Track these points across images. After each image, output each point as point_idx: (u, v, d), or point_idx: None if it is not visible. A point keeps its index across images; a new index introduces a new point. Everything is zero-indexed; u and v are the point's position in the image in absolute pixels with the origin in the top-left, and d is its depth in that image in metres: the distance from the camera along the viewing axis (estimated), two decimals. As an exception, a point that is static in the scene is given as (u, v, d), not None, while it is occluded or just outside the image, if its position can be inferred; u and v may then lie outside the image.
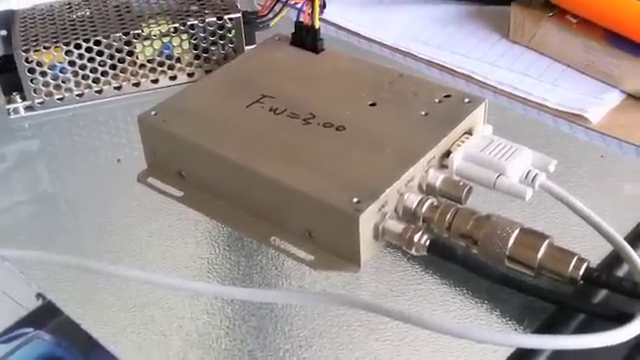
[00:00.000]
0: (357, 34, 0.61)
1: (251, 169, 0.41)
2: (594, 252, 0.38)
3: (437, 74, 0.56)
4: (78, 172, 0.49)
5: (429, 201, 0.40)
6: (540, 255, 0.37)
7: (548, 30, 0.56)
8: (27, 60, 0.51)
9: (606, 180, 0.46)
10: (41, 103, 0.53)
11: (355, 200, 0.38)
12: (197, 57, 0.55)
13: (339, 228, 0.39)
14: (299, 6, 0.50)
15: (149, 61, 0.54)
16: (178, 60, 0.55)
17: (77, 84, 0.53)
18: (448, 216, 0.39)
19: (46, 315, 0.37)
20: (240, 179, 0.42)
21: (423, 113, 0.44)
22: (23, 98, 0.53)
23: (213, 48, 0.55)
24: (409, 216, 0.40)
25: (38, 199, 0.48)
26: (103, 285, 0.39)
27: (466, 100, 0.45)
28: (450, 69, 0.56)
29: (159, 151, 0.46)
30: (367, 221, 0.38)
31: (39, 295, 0.39)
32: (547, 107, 0.52)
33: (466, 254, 0.38)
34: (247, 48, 0.55)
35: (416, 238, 0.39)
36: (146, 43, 0.53)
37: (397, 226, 0.39)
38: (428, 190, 0.42)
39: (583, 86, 0.54)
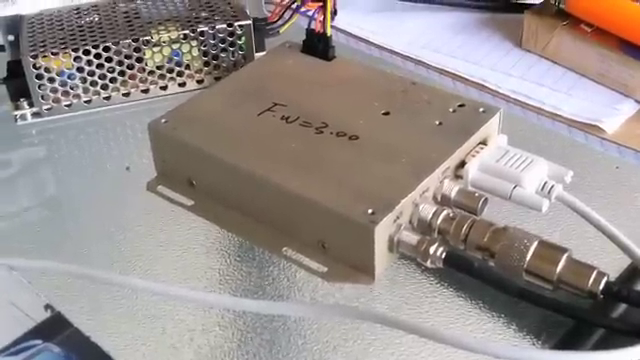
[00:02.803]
0: (367, 41, 0.61)
1: (263, 178, 0.41)
2: (611, 265, 0.38)
3: (449, 83, 0.55)
4: (86, 180, 0.48)
5: (444, 212, 0.40)
6: (559, 269, 0.36)
7: (562, 39, 0.55)
8: (35, 66, 0.50)
9: (621, 191, 0.46)
10: (49, 109, 0.52)
11: (370, 211, 0.38)
12: (206, 64, 0.54)
13: (353, 239, 0.38)
14: (310, 13, 0.50)
15: (158, 68, 0.53)
16: (187, 67, 0.54)
17: (85, 90, 0.52)
18: (464, 228, 0.39)
19: (55, 327, 0.36)
20: (252, 188, 0.42)
21: (437, 122, 0.44)
22: (31, 104, 0.52)
23: (223, 55, 0.54)
24: (424, 227, 0.40)
25: (45, 207, 0.47)
26: (113, 296, 0.38)
27: (481, 110, 0.45)
28: (462, 77, 0.56)
29: (169, 159, 0.45)
30: (382, 232, 0.38)
31: (48, 306, 0.38)
32: (561, 117, 0.52)
33: (483, 267, 0.38)
34: (257, 55, 0.55)
35: (432, 250, 0.38)
36: (155, 50, 0.53)
37: (412, 238, 0.39)
38: (443, 201, 0.41)
39: (598, 96, 0.53)
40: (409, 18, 0.64)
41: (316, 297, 0.39)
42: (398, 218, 0.38)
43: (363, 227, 0.37)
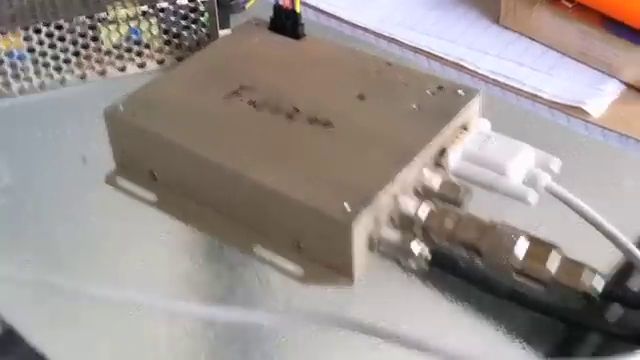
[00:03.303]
0: (338, 18, 0.57)
1: (231, 170, 0.38)
2: (606, 260, 0.36)
3: (424, 62, 0.52)
4: (38, 172, 0.45)
5: (427, 207, 0.37)
6: (552, 268, 0.34)
7: (542, 15, 0.53)
8: (-19, 47, 0.46)
9: (607, 177, 0.43)
10: (-3, 93, 0.48)
11: (346, 206, 0.35)
12: (167, 43, 0.51)
13: (330, 237, 0.36)
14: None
15: (115, 47, 0.50)
16: (147, 46, 0.51)
17: (37, 73, 0.49)
18: (449, 224, 0.36)
19: (6, 344, 0.33)
20: (219, 181, 0.39)
21: (415, 106, 0.41)
22: (-23, 88, 0.48)
23: (185, 33, 0.51)
24: (406, 223, 0.37)
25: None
26: (70, 307, 0.35)
27: (460, 92, 0.42)
28: (438, 57, 0.53)
29: (129, 149, 0.42)
30: (360, 229, 0.35)
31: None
32: (542, 98, 0.49)
33: (470, 267, 0.35)
34: (221, 32, 0.51)
35: (415, 249, 0.36)
36: (112, 27, 0.49)
37: (394, 235, 0.36)
38: (424, 192, 0.39)
39: (580, 76, 0.51)
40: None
41: (291, 301, 0.36)
42: (377, 213, 0.36)
43: (340, 224, 0.35)
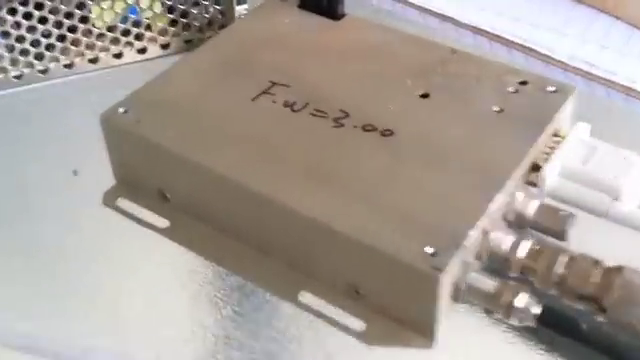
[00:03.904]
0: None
1: (266, 197, 0.30)
2: None
3: (486, 45, 0.44)
4: (17, 188, 0.36)
5: (527, 243, 0.29)
6: None
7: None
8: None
9: None
10: (-34, 88, 0.41)
11: (429, 250, 0.27)
12: (173, 23, 0.44)
13: (404, 288, 0.28)
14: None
15: (110, 29, 0.43)
16: (148, 27, 0.43)
17: (14, 62, 0.41)
18: (559, 267, 0.28)
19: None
20: (250, 209, 0.31)
21: (496, 109, 0.33)
22: (-57, 82, 0.41)
23: (194, 10, 0.44)
24: (499, 263, 0.29)
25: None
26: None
27: (549, 89, 0.34)
28: (503, 38, 0.44)
29: (132, 163, 0.34)
30: (447, 280, 0.27)
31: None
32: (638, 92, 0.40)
33: (593, 328, 0.27)
34: (238, 9, 0.44)
35: (518, 303, 0.28)
36: (105, 6, 0.42)
37: (486, 283, 0.29)
38: (517, 221, 0.31)
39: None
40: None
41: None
42: (465, 255, 0.28)
43: (422, 274, 0.27)
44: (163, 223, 0.33)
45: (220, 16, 0.44)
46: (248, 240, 0.32)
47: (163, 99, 0.34)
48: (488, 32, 0.46)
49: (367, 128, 0.32)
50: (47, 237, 0.34)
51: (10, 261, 0.33)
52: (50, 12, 0.41)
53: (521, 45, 0.44)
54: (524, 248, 0.29)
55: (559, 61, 0.43)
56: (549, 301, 0.28)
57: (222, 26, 0.43)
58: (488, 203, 0.29)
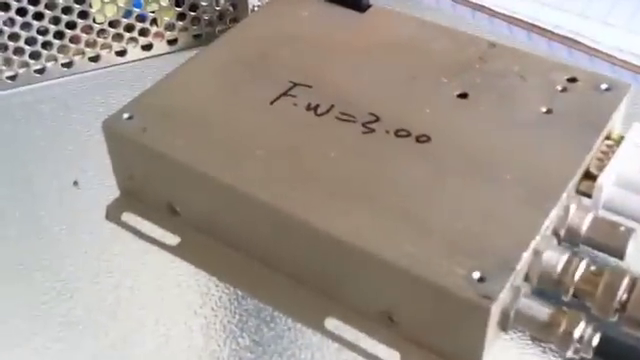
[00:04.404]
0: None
1: (289, 215, 0.27)
2: None
3: (524, 36, 0.41)
4: (12, 202, 0.34)
5: (583, 263, 0.26)
6: None
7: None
8: None
9: None
10: (-44, 90, 0.39)
11: (476, 276, 0.24)
12: (181, 16, 0.41)
13: (447, 316, 0.25)
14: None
15: (112, 25, 0.40)
16: (153, 22, 0.41)
17: (8, 62, 0.39)
18: (620, 291, 0.25)
19: None
20: (270, 227, 0.28)
21: (543, 110, 0.30)
22: None
23: (203, 2, 0.41)
24: (549, 285, 0.26)
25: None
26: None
27: (603, 86, 0.31)
28: (543, 29, 0.41)
29: (138, 174, 0.31)
30: (497, 309, 0.24)
31: None
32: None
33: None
34: (251, 0, 0.41)
35: (577, 332, 0.25)
36: None
37: (540, 311, 0.26)
38: (569, 237, 0.28)
39: None
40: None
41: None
42: (516, 280, 0.25)
43: (469, 304, 0.24)
44: (173, 240, 0.30)
45: (232, 8, 0.41)
46: (267, 260, 0.29)
47: (171, 103, 0.31)
48: (526, 22, 0.42)
49: (400, 134, 0.29)
50: (46, 256, 0.31)
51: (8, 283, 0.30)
52: (46, 7, 0.38)
53: (562, 36, 0.41)
54: (580, 269, 0.26)
55: (604, 52, 0.40)
56: (606, 329, 0.25)
57: (234, 20, 0.41)
58: (543, 220, 0.26)
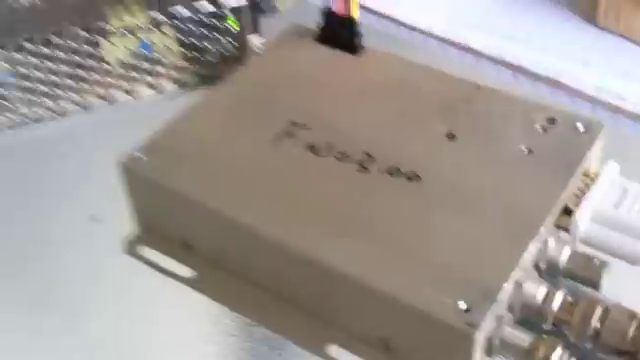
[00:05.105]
0: (393, 19, 0.47)
1: (291, 248, 0.29)
2: None
3: (509, 76, 0.43)
4: (32, 235, 0.36)
5: (560, 294, 0.28)
6: None
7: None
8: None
9: None
10: (-24, 129, 0.40)
11: (462, 306, 0.26)
12: (186, 57, 0.43)
13: (437, 344, 0.27)
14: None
15: (122, 66, 0.41)
16: (161, 63, 0.42)
17: (28, 102, 0.41)
18: (594, 320, 0.28)
19: None
20: (275, 260, 0.30)
21: (525, 150, 0.32)
22: (-46, 122, 0.40)
23: (207, 44, 0.43)
24: (531, 315, 0.28)
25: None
26: None
27: (579, 127, 0.33)
28: (525, 69, 0.43)
29: (153, 210, 0.33)
30: (481, 335, 0.26)
31: None
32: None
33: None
34: (253, 40, 0.43)
35: (554, 357, 0.27)
36: (116, 41, 0.41)
37: (522, 338, 0.28)
38: (549, 269, 0.30)
39: None
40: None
41: None
42: (499, 309, 0.27)
43: (456, 332, 0.26)
44: (188, 272, 0.32)
45: (234, 50, 0.43)
46: (273, 290, 0.31)
47: (182, 143, 0.33)
48: (511, 63, 0.44)
49: (392, 172, 0.31)
50: (65, 289, 0.33)
51: (27, 315, 0.32)
52: (60, 49, 0.40)
53: (546, 77, 0.43)
54: (558, 300, 0.28)
55: (585, 93, 0.42)
56: (583, 355, 0.27)
57: (237, 60, 0.43)
58: (521, 253, 0.28)
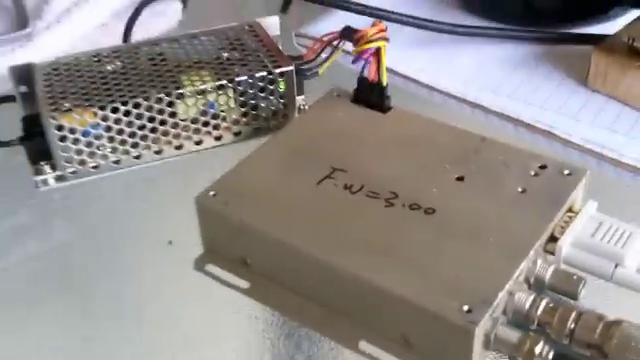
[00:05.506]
0: (415, 80, 0.55)
1: (332, 264, 0.36)
2: None
3: (511, 129, 0.50)
4: (120, 256, 0.43)
5: (544, 302, 0.35)
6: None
7: (635, 81, 0.50)
8: (58, 127, 0.45)
9: None
10: (73, 173, 0.47)
11: (465, 308, 0.33)
12: (244, 114, 0.49)
13: (446, 339, 0.34)
14: (364, 57, 0.45)
15: (192, 121, 0.48)
16: (223, 119, 0.49)
17: (113, 150, 0.47)
18: (569, 321, 0.35)
19: None
20: (318, 274, 0.37)
21: (520, 190, 0.39)
22: (53, 167, 0.46)
23: (262, 104, 0.49)
24: (520, 318, 0.35)
25: (71, 289, 0.42)
26: None
27: (566, 172, 0.40)
28: (525, 123, 0.51)
29: (220, 237, 0.41)
30: (481, 332, 0.33)
31: None
32: (643, 171, 0.47)
33: (598, 371, 0.33)
34: (298, 99, 0.50)
35: (537, 349, 0.34)
36: (189, 102, 0.47)
37: (512, 335, 0.34)
38: (536, 283, 0.37)
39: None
40: (459, 52, 0.57)
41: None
42: (495, 312, 0.34)
43: (461, 328, 0.33)
44: (244, 283, 0.39)
45: (283, 107, 0.49)
46: (315, 298, 0.38)
47: (245, 183, 0.40)
48: (513, 118, 0.51)
49: (413, 207, 0.38)
50: (147, 295, 0.40)
51: (120, 310, 0.39)
52: (145, 109, 0.46)
53: (542, 129, 0.50)
54: (542, 306, 0.35)
55: (575, 143, 0.48)
56: (562, 348, 0.34)
57: (285, 115, 0.49)
58: (515, 270, 0.35)
